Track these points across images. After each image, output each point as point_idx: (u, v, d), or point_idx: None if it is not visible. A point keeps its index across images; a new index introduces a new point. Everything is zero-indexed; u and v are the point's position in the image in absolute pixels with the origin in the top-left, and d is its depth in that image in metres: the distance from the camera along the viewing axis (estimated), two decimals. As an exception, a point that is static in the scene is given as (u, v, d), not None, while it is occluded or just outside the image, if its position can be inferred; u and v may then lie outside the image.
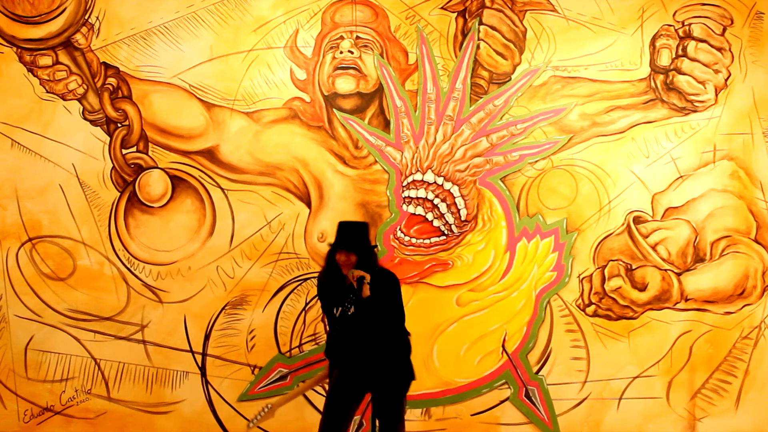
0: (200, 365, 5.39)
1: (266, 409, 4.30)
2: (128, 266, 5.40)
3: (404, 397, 4.33)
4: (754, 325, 5.51)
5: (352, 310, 4.22)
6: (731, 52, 5.50)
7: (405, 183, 5.44)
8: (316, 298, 5.35)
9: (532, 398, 5.43)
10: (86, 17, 5.41)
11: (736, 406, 5.50)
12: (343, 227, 4.33)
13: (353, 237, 4.26)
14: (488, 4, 5.46)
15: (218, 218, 5.41)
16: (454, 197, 5.43)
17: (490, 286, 5.45)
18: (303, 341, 5.39)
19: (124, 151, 5.42)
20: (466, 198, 5.44)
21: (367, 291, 4.10)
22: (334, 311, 4.27)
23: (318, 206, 5.43)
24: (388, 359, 4.25)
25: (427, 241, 5.43)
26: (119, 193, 5.41)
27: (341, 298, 4.24)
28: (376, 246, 4.48)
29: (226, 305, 5.40)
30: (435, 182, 5.43)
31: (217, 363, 5.39)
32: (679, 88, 5.48)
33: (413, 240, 5.43)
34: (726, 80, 5.50)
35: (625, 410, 5.46)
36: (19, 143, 5.40)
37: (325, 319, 4.43)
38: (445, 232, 5.45)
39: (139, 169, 5.42)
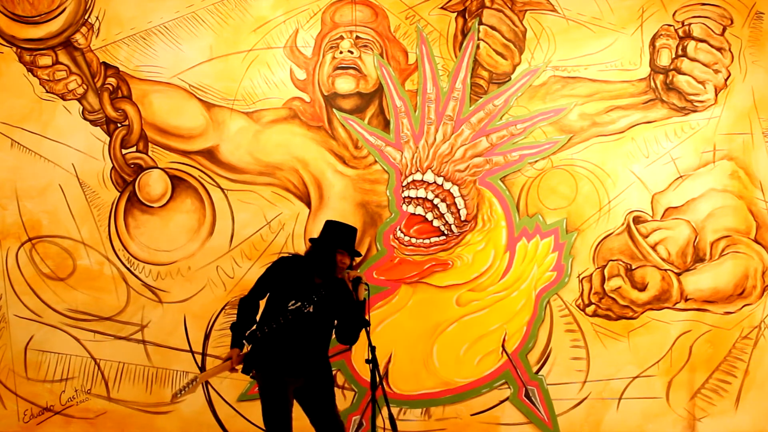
0: (200, 365, 5.39)
1: (193, 383, 4.08)
2: (128, 266, 5.40)
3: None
4: (754, 325, 5.51)
5: (310, 309, 4.07)
6: (731, 52, 5.50)
7: (405, 183, 5.44)
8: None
9: (532, 398, 5.43)
10: (86, 17, 5.41)
11: (735, 406, 5.50)
12: (343, 229, 4.22)
13: (353, 242, 4.18)
14: (488, 4, 5.46)
15: (218, 218, 5.41)
16: (454, 197, 5.43)
17: (490, 286, 5.45)
18: (303, 341, 5.40)
19: (124, 151, 5.42)
20: (466, 198, 5.44)
21: (363, 293, 4.06)
22: (290, 303, 4.06)
23: (318, 206, 5.43)
24: (322, 362, 4.15)
25: (427, 241, 5.43)
26: (119, 193, 5.41)
27: (303, 294, 4.08)
28: (360, 254, 4.37)
29: (226, 305, 5.40)
30: (435, 182, 5.43)
31: (216, 363, 5.37)
32: (678, 88, 5.48)
33: (413, 240, 5.43)
34: (726, 80, 5.50)
35: (625, 410, 5.46)
36: (19, 143, 5.40)
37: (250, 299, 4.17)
38: (445, 232, 5.45)
39: (139, 169, 5.42)
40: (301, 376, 4.09)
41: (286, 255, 4.31)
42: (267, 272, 4.17)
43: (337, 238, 4.14)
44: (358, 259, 4.61)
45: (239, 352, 4.10)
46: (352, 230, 4.24)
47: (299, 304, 4.07)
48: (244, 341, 4.11)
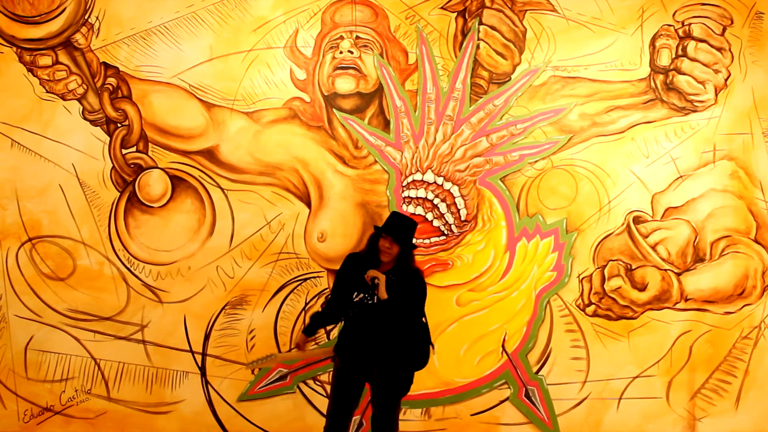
0: (200, 365, 5.39)
1: (269, 358, 4.50)
2: (128, 266, 5.40)
3: (400, 398, 4.37)
4: (754, 325, 5.51)
5: (374, 300, 4.27)
6: (731, 52, 5.50)
7: (405, 183, 5.44)
8: (316, 298, 5.36)
9: (532, 398, 5.43)
10: (86, 17, 5.41)
11: (736, 406, 5.50)
12: (398, 218, 4.39)
13: (405, 230, 4.33)
14: (488, 4, 5.46)
15: (218, 218, 5.41)
16: (454, 197, 5.43)
17: (490, 286, 5.45)
18: (303, 341, 5.40)
19: (124, 151, 5.42)
20: (466, 198, 5.44)
21: (383, 293, 4.15)
22: (354, 296, 4.31)
23: (318, 206, 5.43)
24: (392, 355, 4.28)
25: (427, 241, 5.43)
26: (119, 193, 5.41)
27: (367, 286, 4.28)
28: (416, 246, 4.52)
29: (226, 305, 5.40)
30: (435, 182, 5.43)
31: (217, 363, 5.39)
32: (678, 88, 5.48)
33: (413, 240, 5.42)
34: (726, 80, 5.50)
35: (625, 410, 5.46)
36: (19, 143, 5.40)
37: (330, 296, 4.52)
38: (445, 232, 5.45)
39: (139, 169, 5.42)
40: (372, 367, 4.29)
41: (354, 252, 4.55)
42: (338, 271, 4.46)
43: (388, 226, 4.33)
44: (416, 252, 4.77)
45: (306, 338, 4.55)
46: (405, 220, 4.39)
47: (362, 296, 4.29)
48: (314, 331, 4.58)
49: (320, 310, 4.53)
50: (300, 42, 5.44)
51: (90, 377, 5.40)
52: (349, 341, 4.35)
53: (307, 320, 4.71)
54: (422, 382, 5.41)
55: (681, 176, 5.49)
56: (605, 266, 5.46)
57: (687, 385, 5.48)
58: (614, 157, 5.47)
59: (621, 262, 5.47)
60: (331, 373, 4.45)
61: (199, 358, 5.40)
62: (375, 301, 4.25)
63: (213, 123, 5.43)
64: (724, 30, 5.50)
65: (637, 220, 5.48)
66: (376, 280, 4.18)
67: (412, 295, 4.28)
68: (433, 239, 5.43)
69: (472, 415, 5.44)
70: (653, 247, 5.47)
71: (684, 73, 5.48)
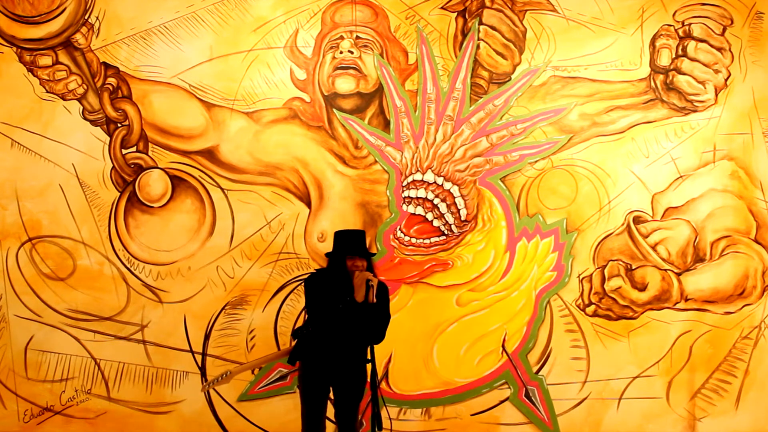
0: (200, 365, 5.39)
1: (225, 376, 4.36)
2: (128, 266, 5.40)
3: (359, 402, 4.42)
4: (754, 325, 5.51)
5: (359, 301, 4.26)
6: (731, 52, 5.50)
7: (405, 183, 5.44)
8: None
9: (532, 398, 5.43)
10: (86, 17, 5.41)
11: (736, 406, 5.50)
12: (349, 235, 4.39)
13: (362, 245, 4.36)
14: (488, 4, 5.46)
15: (218, 218, 5.41)
16: (454, 197, 5.43)
17: (490, 286, 5.45)
18: (303, 341, 5.40)
19: (124, 151, 5.42)
20: (466, 198, 5.44)
21: (372, 296, 4.14)
22: (337, 306, 4.24)
23: (318, 206, 5.43)
24: (355, 361, 4.32)
25: (427, 241, 5.43)
26: (119, 193, 5.41)
27: (344, 295, 4.22)
28: (374, 254, 4.56)
29: (226, 305, 5.40)
30: (435, 182, 5.43)
31: (217, 363, 5.39)
32: (679, 88, 5.48)
33: (413, 240, 5.43)
34: (726, 80, 5.50)
35: (625, 410, 5.46)
36: (19, 143, 5.40)
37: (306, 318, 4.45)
38: (445, 232, 5.45)
39: (139, 169, 5.42)
40: (338, 374, 4.29)
41: (312, 271, 4.50)
42: (307, 291, 4.33)
43: (342, 247, 4.32)
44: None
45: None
46: (357, 234, 4.40)
47: (347, 300, 4.21)
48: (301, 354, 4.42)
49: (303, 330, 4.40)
50: (300, 42, 5.44)
51: (90, 377, 5.40)
52: (320, 347, 4.30)
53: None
54: (422, 382, 5.42)
55: (681, 176, 5.49)
56: (605, 266, 5.46)
57: (687, 385, 5.48)
58: (614, 157, 5.47)
59: (621, 262, 5.47)
60: (298, 380, 4.39)
61: (199, 358, 5.40)
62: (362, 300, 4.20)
63: (213, 123, 5.43)
64: (724, 30, 5.50)
65: (637, 220, 5.48)
66: (371, 282, 4.17)
67: (387, 304, 4.37)
68: (433, 239, 5.43)
69: (472, 415, 5.44)
70: (653, 247, 5.47)
71: (684, 73, 5.48)
